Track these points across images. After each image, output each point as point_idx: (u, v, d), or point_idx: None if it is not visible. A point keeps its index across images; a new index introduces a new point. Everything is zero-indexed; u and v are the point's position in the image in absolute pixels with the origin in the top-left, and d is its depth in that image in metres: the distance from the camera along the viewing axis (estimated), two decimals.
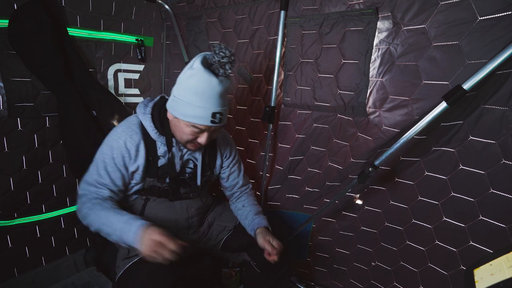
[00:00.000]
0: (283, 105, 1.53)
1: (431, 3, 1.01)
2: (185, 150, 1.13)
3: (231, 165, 1.30)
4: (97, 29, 1.58)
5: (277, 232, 1.21)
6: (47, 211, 1.54)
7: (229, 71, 0.94)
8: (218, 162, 1.26)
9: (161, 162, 1.09)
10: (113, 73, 1.71)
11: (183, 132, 1.00)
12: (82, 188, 1.05)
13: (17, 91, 1.32)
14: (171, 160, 1.10)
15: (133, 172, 1.07)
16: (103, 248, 1.32)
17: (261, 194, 1.69)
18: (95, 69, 1.62)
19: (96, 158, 1.06)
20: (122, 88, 1.78)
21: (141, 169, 1.06)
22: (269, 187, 1.70)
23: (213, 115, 0.95)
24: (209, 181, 1.30)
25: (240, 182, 1.34)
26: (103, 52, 1.64)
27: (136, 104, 1.88)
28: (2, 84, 1.28)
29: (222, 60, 0.91)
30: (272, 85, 1.46)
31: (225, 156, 1.27)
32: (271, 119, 1.48)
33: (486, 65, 0.88)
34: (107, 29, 1.62)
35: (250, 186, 1.40)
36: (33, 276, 1.52)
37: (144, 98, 1.91)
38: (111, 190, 1.04)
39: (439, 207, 1.19)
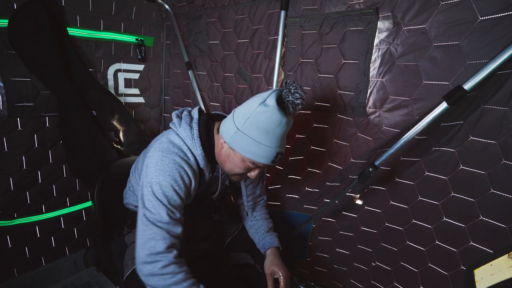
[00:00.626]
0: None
1: (432, 3, 1.01)
2: (224, 175, 1.07)
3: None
4: (97, 29, 1.58)
5: (277, 233, 1.22)
6: (47, 211, 1.54)
7: (297, 112, 0.90)
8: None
9: (202, 188, 1.04)
10: (113, 73, 1.71)
11: (236, 165, 0.93)
12: (152, 232, 0.83)
13: (17, 91, 1.32)
14: (211, 185, 1.06)
15: (188, 200, 0.98)
16: (109, 243, 1.29)
17: None
18: (95, 69, 1.61)
19: (151, 192, 0.87)
20: (122, 88, 1.78)
21: (191, 198, 0.98)
22: (269, 187, 1.70)
23: (276, 155, 0.89)
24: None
25: (257, 192, 1.26)
26: (103, 52, 1.63)
27: (136, 104, 1.89)
28: (2, 84, 1.28)
29: (296, 101, 0.86)
30: (272, 85, 1.46)
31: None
32: None
33: (487, 65, 0.88)
34: (107, 29, 1.62)
35: (265, 198, 1.32)
36: (33, 276, 1.52)
37: (144, 98, 1.93)
38: (181, 223, 0.90)
39: (439, 207, 1.19)
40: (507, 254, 0.94)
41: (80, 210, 1.69)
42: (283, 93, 0.87)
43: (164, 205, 0.86)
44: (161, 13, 1.91)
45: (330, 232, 1.59)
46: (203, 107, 1.87)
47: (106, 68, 1.67)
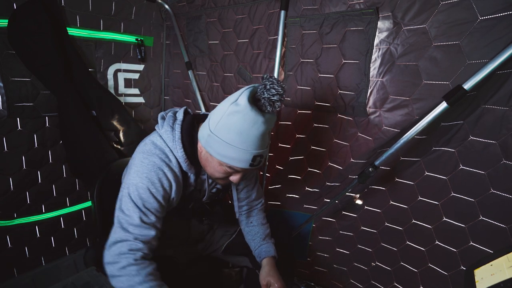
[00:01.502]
0: (283, 105, 1.53)
1: (432, 3, 1.01)
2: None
3: (248, 178, 1.18)
4: (97, 29, 1.58)
5: (277, 232, 1.22)
6: (46, 211, 1.54)
7: (278, 109, 0.82)
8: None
9: (189, 190, 1.02)
10: (113, 73, 1.71)
11: (215, 169, 0.89)
12: (121, 233, 0.84)
13: (17, 91, 1.32)
14: (198, 188, 1.02)
15: (170, 204, 0.96)
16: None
17: None
18: (95, 69, 1.61)
19: (128, 194, 0.86)
20: (122, 88, 1.78)
21: (178, 199, 0.96)
22: (269, 187, 1.70)
23: (254, 158, 0.82)
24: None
25: (253, 196, 1.21)
26: (103, 52, 1.63)
27: (136, 104, 1.89)
28: (2, 84, 1.28)
29: (273, 98, 0.78)
30: None
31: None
32: None
33: (487, 65, 0.89)
34: (107, 29, 1.62)
35: (263, 201, 1.26)
36: (33, 276, 1.52)
37: (144, 98, 1.93)
38: (156, 228, 0.88)
39: (439, 207, 1.19)
40: (507, 254, 0.94)
41: (80, 210, 1.69)
42: (258, 89, 0.80)
43: (138, 207, 0.85)
44: (161, 13, 1.91)
45: (330, 232, 1.59)
46: (202, 107, 1.87)
47: (106, 68, 1.67)
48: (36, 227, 1.51)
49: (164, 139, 0.91)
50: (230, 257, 1.32)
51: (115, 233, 0.84)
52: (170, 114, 0.97)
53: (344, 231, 1.53)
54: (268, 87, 0.79)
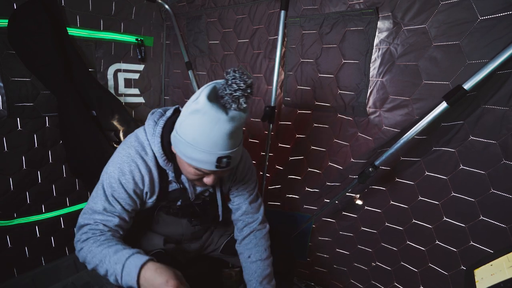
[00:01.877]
0: (283, 105, 1.53)
1: (432, 3, 1.01)
2: None
3: (240, 188, 1.09)
4: (97, 29, 1.58)
5: (277, 233, 1.21)
6: (46, 211, 1.54)
7: (244, 105, 0.74)
8: (226, 189, 1.10)
9: (172, 186, 0.98)
10: (113, 73, 1.71)
11: (186, 171, 0.85)
12: (85, 217, 0.88)
13: (17, 91, 1.32)
14: (183, 187, 0.98)
15: (144, 198, 0.94)
16: None
17: (261, 194, 1.69)
18: (95, 69, 1.61)
19: (101, 181, 0.89)
20: (122, 88, 1.78)
21: (154, 195, 0.95)
22: (269, 187, 1.70)
23: (219, 159, 0.76)
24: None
25: (244, 208, 1.09)
26: (103, 52, 1.63)
27: (136, 104, 1.89)
28: (2, 84, 1.28)
29: (235, 94, 0.71)
30: (272, 85, 1.46)
31: (234, 180, 1.08)
32: (271, 119, 1.47)
33: (487, 65, 0.89)
34: (107, 29, 1.62)
35: (260, 219, 1.12)
36: (33, 276, 1.52)
37: (144, 98, 1.93)
38: (121, 217, 0.88)
39: (439, 207, 1.19)
40: (507, 254, 0.94)
41: (80, 210, 1.67)
42: (220, 86, 0.74)
43: (106, 196, 0.87)
44: (161, 13, 1.91)
45: (330, 232, 1.58)
46: None
47: (106, 68, 1.67)
48: (36, 227, 1.51)
49: (146, 132, 0.91)
50: (229, 257, 1.32)
51: (81, 217, 0.89)
52: (159, 110, 0.95)
53: (344, 231, 1.53)
54: (230, 82, 0.72)
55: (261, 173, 1.66)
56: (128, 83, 1.81)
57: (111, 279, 0.79)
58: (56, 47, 1.33)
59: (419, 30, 1.06)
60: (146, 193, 0.92)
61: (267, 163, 1.60)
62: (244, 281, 1.28)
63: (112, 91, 1.72)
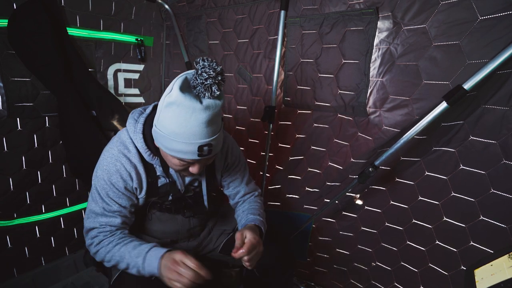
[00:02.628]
0: (283, 105, 1.53)
1: (432, 3, 1.01)
2: None
3: (232, 173, 1.15)
4: (97, 29, 1.58)
5: (277, 233, 1.21)
6: (46, 211, 1.54)
7: (217, 93, 0.74)
8: (219, 176, 1.13)
9: (162, 181, 1.00)
10: (113, 73, 1.71)
11: (171, 163, 0.88)
12: (90, 221, 0.93)
13: (17, 91, 1.32)
14: (171, 180, 1.00)
15: (136, 193, 0.97)
16: None
17: (261, 194, 1.69)
18: (95, 69, 1.61)
19: (94, 185, 0.94)
20: (122, 88, 1.78)
21: (142, 191, 0.97)
22: (269, 187, 1.70)
23: (200, 148, 0.79)
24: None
25: (242, 191, 1.17)
26: (103, 52, 1.63)
27: (136, 104, 1.89)
28: (2, 84, 1.28)
29: (206, 83, 0.72)
30: (272, 85, 1.46)
31: (226, 166, 1.13)
32: (271, 119, 1.47)
33: (487, 65, 0.88)
34: (107, 29, 1.62)
35: (256, 193, 1.21)
36: (33, 276, 1.52)
37: (144, 98, 1.93)
38: (122, 215, 0.93)
39: (439, 207, 1.19)
40: (507, 254, 0.94)
41: (80, 210, 1.68)
42: (192, 76, 0.75)
43: (102, 198, 0.91)
44: (161, 13, 1.91)
45: (330, 232, 1.58)
46: None
47: (106, 68, 1.67)
48: (36, 227, 1.51)
49: (128, 131, 0.94)
50: (228, 256, 1.32)
51: (86, 222, 0.94)
52: (139, 109, 0.99)
53: (344, 231, 1.53)
54: (199, 71, 0.73)
55: (261, 173, 1.66)
56: (128, 83, 1.81)
57: (133, 271, 0.87)
58: (56, 47, 1.33)
59: (419, 30, 1.06)
60: (136, 188, 0.95)
61: (267, 163, 1.60)
62: (244, 281, 1.29)
63: (112, 91, 1.72)
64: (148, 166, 0.96)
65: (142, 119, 0.93)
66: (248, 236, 0.92)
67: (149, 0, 1.76)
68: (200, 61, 0.74)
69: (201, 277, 0.79)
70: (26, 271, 1.52)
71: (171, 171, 0.99)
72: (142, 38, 1.79)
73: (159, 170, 0.98)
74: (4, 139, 1.33)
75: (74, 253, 1.70)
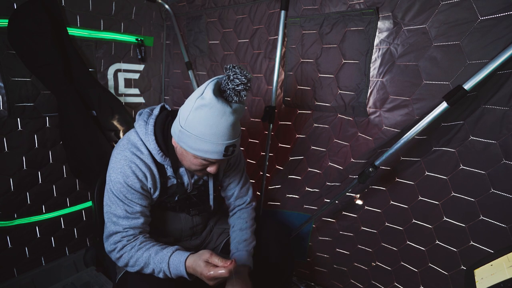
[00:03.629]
0: (283, 105, 1.53)
1: (432, 3, 1.01)
2: None
3: (232, 174, 1.19)
4: (97, 29, 1.58)
5: (277, 233, 1.21)
6: (47, 211, 1.54)
7: (245, 98, 0.83)
8: (220, 176, 1.18)
9: (170, 182, 1.04)
10: (113, 73, 1.71)
11: (191, 163, 0.91)
12: (112, 225, 0.93)
13: (17, 91, 1.32)
14: (180, 181, 1.04)
15: (150, 193, 1.00)
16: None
17: (261, 194, 1.69)
18: (95, 69, 1.61)
19: (110, 189, 0.94)
20: (122, 88, 1.78)
21: (156, 191, 1.00)
22: (269, 187, 1.70)
23: (226, 148, 0.85)
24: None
25: (236, 193, 1.20)
26: (103, 52, 1.63)
27: (136, 104, 1.89)
28: (2, 84, 1.28)
29: (237, 88, 0.80)
30: (272, 85, 1.46)
31: (228, 167, 1.17)
32: (271, 119, 1.47)
33: (487, 65, 0.88)
34: (107, 29, 1.62)
35: (248, 200, 1.23)
36: (33, 276, 1.52)
37: (144, 98, 1.93)
38: (144, 215, 0.96)
39: (439, 207, 1.19)
40: (507, 254, 0.94)
41: (80, 210, 1.69)
42: (223, 81, 0.82)
43: (121, 200, 0.92)
44: (161, 13, 1.91)
45: (330, 232, 1.58)
46: None
47: (106, 68, 1.67)
48: (37, 227, 1.51)
49: (138, 132, 0.96)
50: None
51: (107, 228, 0.94)
52: (146, 110, 1.01)
53: (344, 231, 1.53)
54: (231, 77, 0.79)
55: (261, 173, 1.66)
56: (128, 83, 1.81)
57: (160, 275, 0.89)
58: (56, 47, 1.34)
59: (419, 30, 1.06)
60: (150, 188, 0.97)
61: (267, 163, 1.60)
62: None
63: (112, 91, 1.72)
64: (160, 167, 0.98)
65: (152, 121, 0.96)
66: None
67: (149, 0, 1.76)
68: (231, 67, 0.80)
69: (231, 272, 0.81)
70: (26, 271, 1.52)
71: (181, 171, 1.03)
72: (142, 38, 1.79)
73: (169, 171, 1.01)
74: (4, 139, 1.33)
75: (74, 253, 1.70)
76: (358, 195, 1.42)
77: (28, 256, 1.51)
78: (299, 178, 1.59)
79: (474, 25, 0.94)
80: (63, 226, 1.62)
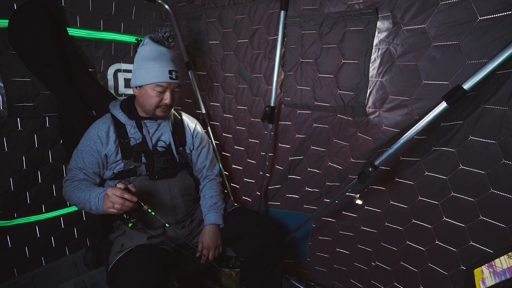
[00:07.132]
0: (283, 105, 1.53)
1: (431, 3, 1.01)
2: (154, 128, 1.30)
3: (200, 147, 1.44)
4: (97, 29, 1.58)
5: (277, 233, 1.21)
6: (47, 211, 1.54)
7: (172, 43, 1.25)
8: (189, 139, 1.41)
9: (133, 142, 1.26)
10: (113, 73, 1.71)
11: (149, 96, 1.20)
12: (67, 174, 1.26)
13: (17, 91, 1.32)
14: (143, 139, 1.27)
15: (107, 155, 1.23)
16: (101, 248, 1.34)
17: (261, 194, 1.69)
18: (95, 69, 1.61)
19: (76, 148, 1.26)
20: (122, 88, 1.78)
21: (113, 150, 1.22)
22: (269, 187, 1.70)
23: (170, 72, 1.18)
24: (186, 162, 1.39)
25: (207, 165, 1.46)
26: (103, 52, 1.63)
27: None
28: (2, 84, 1.28)
29: (164, 35, 1.22)
30: (272, 85, 1.46)
31: (195, 135, 1.44)
32: (271, 119, 1.48)
33: (486, 65, 0.88)
34: (107, 29, 1.62)
35: (216, 172, 1.50)
36: (33, 276, 1.52)
37: None
38: (86, 173, 1.22)
39: (439, 207, 1.19)
40: (507, 254, 0.94)
41: (81, 211, 1.69)
42: (154, 36, 1.24)
43: (76, 156, 1.24)
44: (161, 13, 1.91)
45: (330, 232, 1.59)
46: (203, 107, 1.87)
47: (106, 68, 1.67)
48: (36, 227, 1.51)
49: (110, 108, 1.30)
50: (226, 255, 1.37)
51: (68, 170, 1.26)
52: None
53: (344, 231, 1.53)
54: (158, 30, 1.23)
55: (261, 173, 1.66)
56: (128, 83, 1.81)
57: (92, 209, 1.11)
58: (56, 47, 1.34)
59: (418, 30, 1.06)
60: (109, 149, 1.22)
61: (267, 163, 1.61)
62: (244, 281, 1.31)
63: (112, 91, 1.72)
64: (120, 129, 1.25)
65: (121, 99, 1.34)
66: (205, 242, 1.26)
67: (149, 0, 1.77)
68: (158, 26, 1.25)
69: (128, 201, 1.01)
70: (26, 271, 1.52)
71: (144, 131, 1.27)
72: (142, 38, 1.79)
73: (131, 132, 1.27)
74: (4, 139, 1.33)
75: (74, 253, 1.70)
76: (358, 195, 1.42)
77: (28, 256, 1.51)
78: (299, 178, 1.59)
79: (473, 25, 0.94)
80: (63, 226, 1.62)
